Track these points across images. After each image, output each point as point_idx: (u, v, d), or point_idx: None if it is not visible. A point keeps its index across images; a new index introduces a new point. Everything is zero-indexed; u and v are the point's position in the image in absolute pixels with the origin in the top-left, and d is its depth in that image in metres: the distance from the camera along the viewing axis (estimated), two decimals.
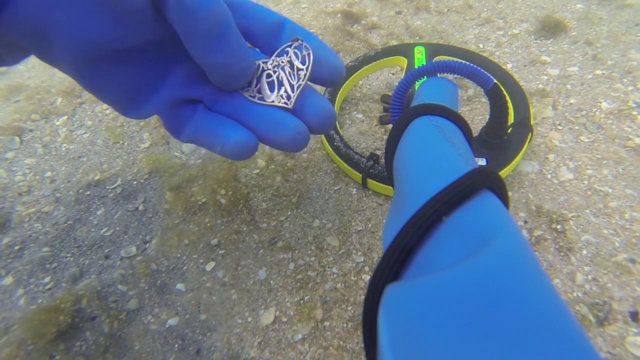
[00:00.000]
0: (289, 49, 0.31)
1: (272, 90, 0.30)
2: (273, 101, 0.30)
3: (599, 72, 0.70)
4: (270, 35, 0.32)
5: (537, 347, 0.14)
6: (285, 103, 0.30)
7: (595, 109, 0.65)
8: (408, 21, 0.84)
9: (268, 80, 0.31)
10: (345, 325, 0.46)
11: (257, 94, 0.31)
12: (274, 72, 0.31)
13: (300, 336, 0.46)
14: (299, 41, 0.31)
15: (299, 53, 0.31)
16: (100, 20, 0.23)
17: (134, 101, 0.29)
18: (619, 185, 0.56)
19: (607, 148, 0.60)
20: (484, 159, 0.55)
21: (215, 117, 0.31)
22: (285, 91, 0.30)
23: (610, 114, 0.64)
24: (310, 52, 0.31)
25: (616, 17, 0.81)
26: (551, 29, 0.78)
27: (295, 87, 0.30)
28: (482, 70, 0.40)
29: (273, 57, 0.31)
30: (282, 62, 0.31)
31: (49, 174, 0.66)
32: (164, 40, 0.28)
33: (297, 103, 0.31)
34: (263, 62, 0.31)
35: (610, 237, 0.51)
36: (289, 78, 0.30)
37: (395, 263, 0.21)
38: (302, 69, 0.30)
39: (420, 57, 0.66)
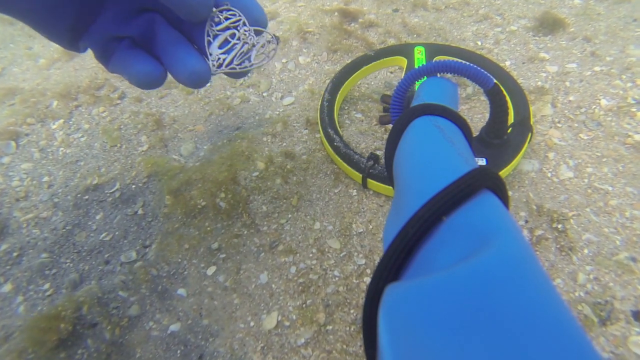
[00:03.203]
0: (265, 35, 0.35)
1: (221, 47, 0.33)
2: (211, 54, 0.33)
3: (597, 68, 0.70)
4: None
5: (537, 348, 0.14)
6: (213, 65, 0.33)
7: (594, 106, 0.65)
8: (405, 19, 0.84)
9: (229, 38, 0.33)
10: (348, 328, 0.46)
11: (211, 37, 0.33)
12: (238, 39, 0.34)
13: (303, 340, 0.46)
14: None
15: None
16: None
17: (75, 31, 0.32)
18: (619, 183, 0.56)
19: (606, 145, 0.60)
20: (484, 159, 0.55)
21: (132, 51, 0.34)
22: (224, 60, 0.33)
23: (609, 111, 0.64)
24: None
25: (614, 12, 0.80)
26: (549, 25, 0.78)
27: (230, 67, 0.34)
28: (482, 70, 0.40)
29: (250, 29, 0.34)
30: (250, 40, 0.34)
31: (46, 178, 0.65)
32: None
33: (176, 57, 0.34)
34: (244, 23, 0.34)
35: (611, 236, 0.51)
36: (237, 55, 0.34)
37: (395, 263, 0.21)
38: (249, 61, 0.34)
39: (420, 57, 0.66)
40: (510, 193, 0.56)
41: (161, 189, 0.61)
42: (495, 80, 0.41)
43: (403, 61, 0.67)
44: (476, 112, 0.67)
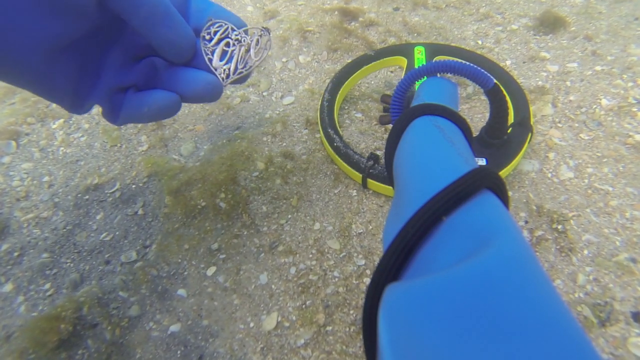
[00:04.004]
0: (255, 31, 0.36)
1: (222, 59, 0.35)
2: (216, 69, 0.35)
3: (598, 68, 0.70)
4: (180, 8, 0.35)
5: (536, 348, 0.14)
6: (222, 79, 0.35)
7: (595, 106, 0.64)
8: (406, 18, 0.84)
9: (225, 48, 0.35)
10: (347, 329, 0.46)
11: (210, 54, 0.35)
12: (233, 45, 0.35)
13: (302, 341, 0.46)
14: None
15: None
16: (55, 16, 0.27)
17: (79, 93, 0.33)
18: (620, 183, 0.56)
19: (607, 145, 0.60)
20: (484, 159, 0.55)
21: (140, 93, 0.35)
22: (229, 69, 0.35)
23: (610, 111, 0.64)
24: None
25: (615, 11, 0.80)
26: (550, 24, 0.78)
27: (237, 72, 0.35)
28: (482, 70, 0.40)
29: (240, 31, 0.35)
30: (244, 41, 0.35)
31: (46, 178, 0.65)
32: (99, 30, 0.32)
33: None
34: (232, 29, 0.35)
35: (611, 237, 0.51)
36: (239, 60, 0.35)
37: (395, 263, 0.21)
38: (251, 60, 0.36)
39: (420, 57, 0.66)
40: (510, 193, 0.56)
41: (161, 189, 0.61)
42: (495, 80, 0.41)
43: (403, 61, 0.67)
44: (476, 112, 0.67)
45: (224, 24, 0.35)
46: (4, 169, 0.67)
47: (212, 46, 0.35)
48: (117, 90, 0.35)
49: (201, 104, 0.73)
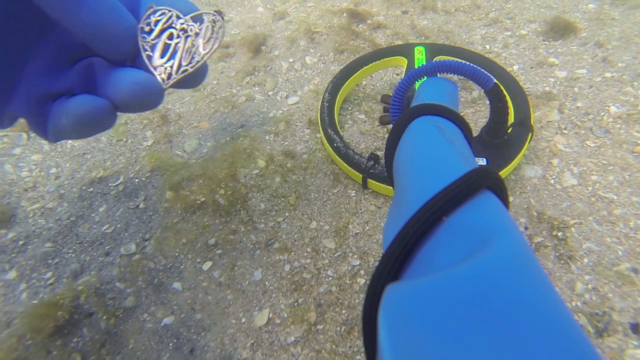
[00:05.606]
0: (205, 17, 0.30)
1: (163, 55, 0.29)
2: (156, 68, 0.28)
3: (608, 74, 0.68)
4: None
5: (536, 348, 0.14)
6: (162, 79, 0.28)
7: (603, 113, 0.63)
8: (414, 21, 0.83)
9: (167, 41, 0.29)
10: (338, 329, 0.46)
11: (149, 49, 0.29)
12: (178, 36, 0.29)
13: (293, 339, 0.46)
14: (219, 20, 0.30)
15: (208, 25, 0.29)
16: None
17: None
18: (625, 192, 0.54)
19: (614, 153, 0.59)
20: (484, 159, 0.54)
21: (68, 99, 0.28)
22: (172, 67, 0.29)
23: (618, 118, 0.62)
24: (220, 39, 0.29)
25: (630, 17, 0.78)
26: (560, 30, 0.77)
27: (181, 70, 0.29)
28: (482, 70, 0.39)
29: (187, 18, 0.30)
30: (192, 30, 0.29)
31: (54, 170, 0.67)
32: (14, 21, 0.26)
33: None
34: (177, 16, 0.29)
35: (613, 246, 0.50)
36: (183, 55, 0.29)
37: (395, 263, 0.21)
38: (199, 54, 0.29)
39: (420, 57, 0.65)
40: (511, 199, 0.55)
41: (163, 184, 0.62)
42: (495, 80, 0.41)
43: (403, 61, 0.66)
44: (481, 115, 0.66)
45: (167, 11, 0.29)
46: (14, 160, 0.69)
47: (152, 40, 0.29)
48: (44, 99, 0.27)
49: (207, 102, 0.74)
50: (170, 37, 0.29)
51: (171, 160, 0.65)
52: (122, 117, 0.73)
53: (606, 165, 0.57)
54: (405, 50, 0.67)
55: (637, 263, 0.48)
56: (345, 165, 0.57)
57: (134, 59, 0.28)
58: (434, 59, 0.66)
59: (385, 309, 0.18)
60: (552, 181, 0.57)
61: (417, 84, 0.41)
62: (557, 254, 0.50)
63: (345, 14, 0.86)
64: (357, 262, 0.51)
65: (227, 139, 0.67)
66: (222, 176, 0.60)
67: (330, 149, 0.60)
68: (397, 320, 0.17)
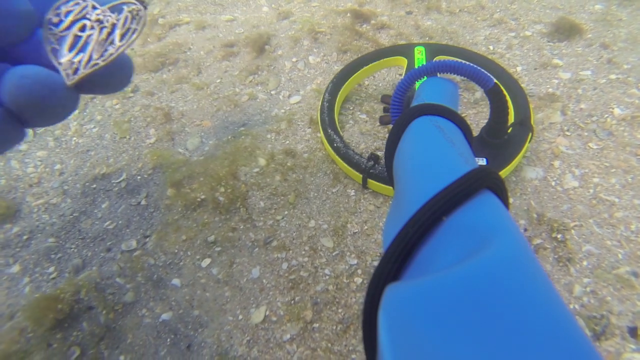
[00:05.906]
0: (125, 7, 0.27)
1: (72, 48, 0.26)
2: (62, 63, 0.25)
3: (613, 76, 0.68)
4: None
5: (536, 347, 0.14)
6: (67, 75, 0.25)
7: (606, 115, 0.63)
8: (418, 21, 0.83)
9: (79, 33, 0.26)
10: (334, 327, 0.46)
11: (55, 42, 0.26)
12: (92, 28, 0.26)
13: (288, 336, 0.46)
14: (141, 9, 0.27)
15: (127, 15, 0.27)
16: None
17: None
18: (627, 195, 0.54)
19: (616, 156, 0.58)
20: (484, 159, 0.54)
21: None
22: (80, 61, 0.26)
23: (622, 121, 0.62)
24: (139, 30, 0.27)
25: (638, 18, 0.78)
26: (566, 31, 0.76)
27: (91, 64, 0.26)
28: (482, 70, 0.39)
29: (104, 8, 0.27)
30: (107, 22, 0.26)
31: (58, 166, 0.68)
32: None
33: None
34: (93, 6, 0.27)
35: (613, 249, 0.49)
36: (95, 47, 0.26)
37: (395, 263, 0.21)
38: (114, 46, 0.26)
39: (420, 57, 0.65)
40: (511, 200, 0.55)
41: (164, 181, 0.62)
42: (495, 80, 0.41)
43: (403, 61, 0.66)
44: (483, 116, 0.66)
45: (81, 1, 0.27)
46: (20, 156, 0.70)
47: (60, 32, 0.26)
48: None
49: (210, 101, 0.74)
50: (83, 28, 0.26)
51: (173, 157, 0.65)
52: (127, 116, 0.73)
53: (608, 168, 0.57)
54: (405, 50, 0.67)
55: (637, 267, 0.47)
56: (345, 165, 0.57)
57: (30, 55, 0.25)
58: (434, 59, 0.65)
59: (385, 308, 0.18)
60: (553, 183, 0.56)
61: (417, 84, 0.41)
62: (556, 256, 0.49)
63: (349, 14, 0.86)
64: (355, 262, 0.51)
65: (229, 137, 0.67)
66: (222, 174, 0.61)
67: (330, 149, 0.60)
68: (398, 320, 0.17)
